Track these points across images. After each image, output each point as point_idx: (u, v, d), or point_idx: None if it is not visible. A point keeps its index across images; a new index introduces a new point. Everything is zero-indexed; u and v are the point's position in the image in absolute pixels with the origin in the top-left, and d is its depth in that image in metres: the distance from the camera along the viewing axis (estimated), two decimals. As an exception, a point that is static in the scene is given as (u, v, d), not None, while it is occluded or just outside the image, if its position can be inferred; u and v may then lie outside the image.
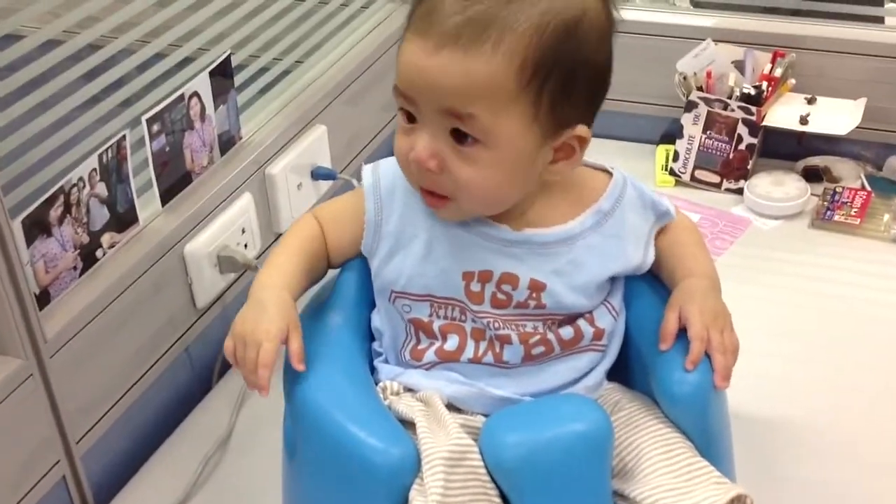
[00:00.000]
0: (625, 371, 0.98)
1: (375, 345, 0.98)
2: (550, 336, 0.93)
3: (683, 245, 0.98)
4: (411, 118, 0.86)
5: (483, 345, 0.93)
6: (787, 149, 1.59)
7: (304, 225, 0.98)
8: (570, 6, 0.83)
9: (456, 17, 0.81)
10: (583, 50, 0.84)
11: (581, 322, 0.94)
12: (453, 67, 0.81)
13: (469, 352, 0.93)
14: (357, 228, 0.95)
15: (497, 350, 0.93)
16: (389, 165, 0.95)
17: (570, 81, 0.84)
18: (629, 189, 0.96)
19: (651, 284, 0.98)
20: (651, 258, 0.97)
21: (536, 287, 0.91)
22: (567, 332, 0.93)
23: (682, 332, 0.90)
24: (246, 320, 0.88)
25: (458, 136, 0.83)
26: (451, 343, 0.93)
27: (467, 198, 0.87)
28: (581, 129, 0.87)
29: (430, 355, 0.94)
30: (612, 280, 0.96)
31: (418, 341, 0.95)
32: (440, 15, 0.81)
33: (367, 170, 0.96)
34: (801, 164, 1.58)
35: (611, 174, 0.96)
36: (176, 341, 1.21)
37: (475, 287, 0.91)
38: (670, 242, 0.98)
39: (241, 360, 0.87)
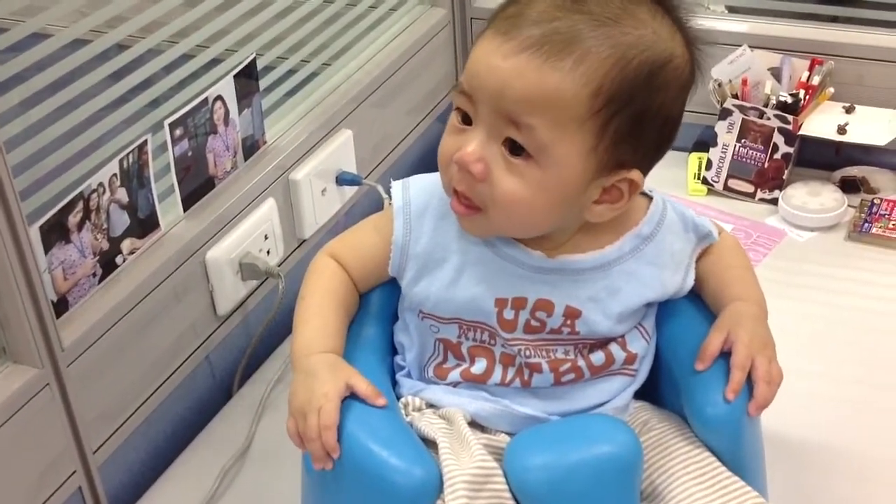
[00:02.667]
0: (653, 389, 0.96)
1: (398, 358, 0.96)
2: (581, 363, 0.91)
3: (729, 267, 0.96)
4: (466, 120, 0.83)
5: (511, 371, 0.91)
6: (823, 158, 1.56)
7: (324, 271, 0.94)
8: (659, 48, 0.81)
9: (544, 26, 0.79)
10: (660, 95, 0.82)
11: (613, 346, 0.91)
12: (528, 72, 0.78)
13: (496, 377, 0.91)
14: (383, 252, 0.92)
15: (526, 378, 0.91)
16: (421, 186, 0.93)
17: (640, 123, 0.82)
18: (669, 212, 0.93)
19: (685, 304, 0.96)
20: (691, 282, 0.94)
21: (572, 314, 0.89)
22: (598, 357, 0.91)
23: (720, 355, 0.88)
24: (299, 394, 0.84)
25: (512, 148, 0.81)
26: (479, 366, 0.91)
27: (501, 214, 0.84)
28: (635, 174, 0.84)
29: (454, 375, 0.92)
30: (647, 304, 0.93)
31: (445, 359, 0.93)
32: (527, 20, 0.80)
33: (396, 188, 0.94)
34: (839, 174, 1.55)
35: (650, 198, 0.93)
36: (196, 349, 1.19)
37: (508, 315, 0.89)
38: (714, 264, 0.96)
39: (302, 432, 0.83)
